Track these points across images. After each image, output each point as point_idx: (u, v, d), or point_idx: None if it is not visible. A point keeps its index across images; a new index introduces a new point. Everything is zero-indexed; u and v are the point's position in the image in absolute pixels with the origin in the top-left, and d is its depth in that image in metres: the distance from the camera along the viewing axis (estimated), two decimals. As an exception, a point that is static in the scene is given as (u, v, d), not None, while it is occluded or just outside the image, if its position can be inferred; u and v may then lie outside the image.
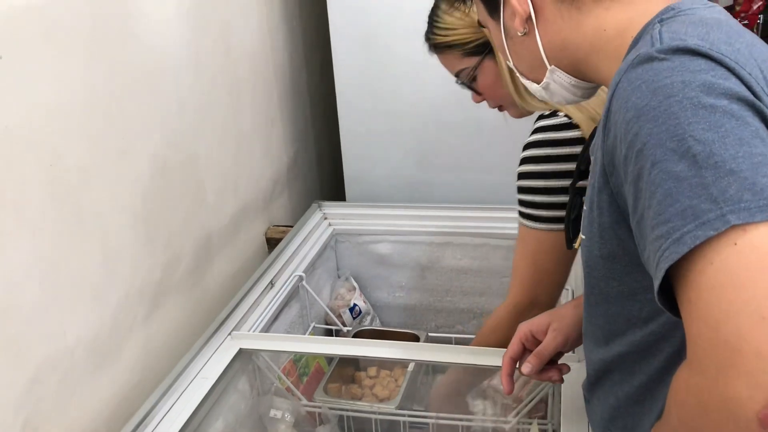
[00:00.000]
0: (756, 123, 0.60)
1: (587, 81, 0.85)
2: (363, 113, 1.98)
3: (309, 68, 2.22)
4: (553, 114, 1.22)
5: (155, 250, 1.40)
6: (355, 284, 1.91)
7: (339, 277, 1.94)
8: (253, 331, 1.44)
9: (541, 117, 1.25)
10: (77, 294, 1.18)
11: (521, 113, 1.31)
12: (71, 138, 1.15)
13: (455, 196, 1.96)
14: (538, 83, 0.88)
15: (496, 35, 0.89)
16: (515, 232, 1.77)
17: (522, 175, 1.24)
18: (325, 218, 1.92)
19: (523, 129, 1.88)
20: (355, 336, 1.71)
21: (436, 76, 1.89)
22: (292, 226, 1.88)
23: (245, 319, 1.47)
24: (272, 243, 1.87)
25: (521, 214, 1.25)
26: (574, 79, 0.85)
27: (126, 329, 1.31)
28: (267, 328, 1.50)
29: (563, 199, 1.19)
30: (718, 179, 0.57)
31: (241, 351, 1.36)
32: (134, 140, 1.32)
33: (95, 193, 1.21)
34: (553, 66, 0.85)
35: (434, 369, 1.66)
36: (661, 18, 0.73)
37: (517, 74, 0.91)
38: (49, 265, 1.11)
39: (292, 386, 1.49)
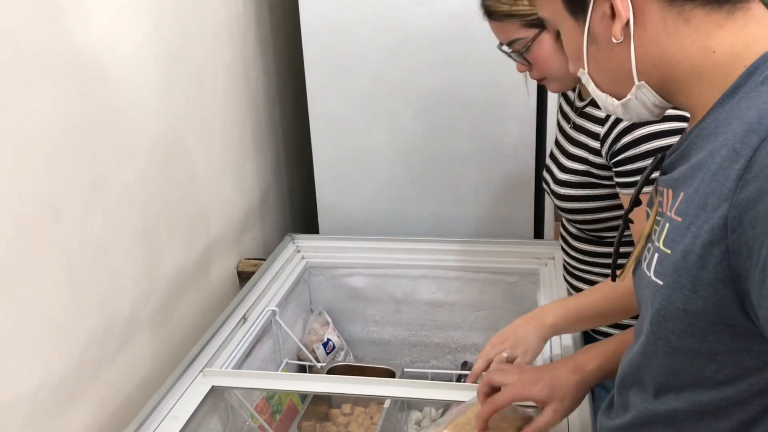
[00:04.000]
0: None
1: (672, 103, 0.76)
2: (337, 145, 1.97)
3: (282, 100, 2.21)
4: None
5: (124, 286, 1.36)
6: (329, 319, 1.88)
7: (312, 311, 1.91)
8: (226, 368, 1.41)
9: None
10: (42, 332, 1.14)
11: (563, 88, 1.30)
12: (39, 170, 1.12)
13: (429, 229, 1.95)
14: (619, 99, 0.77)
15: (572, 38, 0.78)
16: (490, 265, 1.79)
17: (647, 138, 1.15)
18: (298, 251, 1.90)
19: (497, 162, 1.89)
20: (329, 372, 1.68)
21: (410, 109, 1.90)
22: (264, 260, 1.85)
23: (217, 356, 1.43)
24: (244, 277, 1.84)
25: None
26: (660, 98, 0.75)
27: (93, 368, 1.27)
28: (239, 365, 1.46)
29: None
30: None
31: (213, 388, 1.33)
32: (104, 174, 1.29)
33: (63, 227, 1.18)
34: (642, 82, 0.74)
35: (410, 405, 1.63)
36: None
37: (590, 87, 0.80)
38: (13, 302, 1.07)
39: (265, 425, 1.45)
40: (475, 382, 1.21)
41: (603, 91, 0.78)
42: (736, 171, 0.62)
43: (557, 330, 1.24)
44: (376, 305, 1.89)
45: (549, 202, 1.90)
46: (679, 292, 0.68)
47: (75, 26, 1.20)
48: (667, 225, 0.71)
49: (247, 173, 1.95)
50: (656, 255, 0.73)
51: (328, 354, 1.80)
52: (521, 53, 1.24)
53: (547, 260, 1.74)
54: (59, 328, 1.18)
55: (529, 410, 1.07)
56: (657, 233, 0.74)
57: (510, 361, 1.18)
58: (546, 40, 1.21)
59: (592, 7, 0.73)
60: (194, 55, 1.63)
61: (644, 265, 0.76)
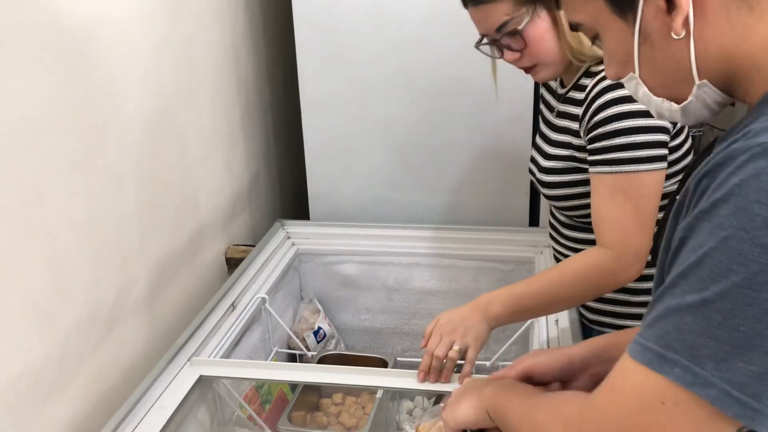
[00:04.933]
0: None
1: (734, 98, 0.70)
2: (329, 131, 1.93)
3: (273, 84, 2.16)
4: None
5: (109, 272, 1.32)
6: (320, 306, 1.85)
7: (302, 299, 1.87)
8: (214, 357, 1.37)
9: None
10: (24, 319, 1.10)
11: (553, 75, 1.25)
12: (21, 151, 1.08)
13: (423, 217, 1.92)
14: (678, 102, 0.70)
15: (620, 40, 0.70)
16: (485, 253, 1.76)
17: (620, 116, 1.14)
18: (289, 237, 1.86)
19: (492, 149, 1.86)
20: (320, 361, 1.65)
21: (404, 94, 1.86)
22: (253, 246, 1.81)
23: (205, 344, 1.39)
24: (233, 263, 1.80)
25: (617, 161, 1.15)
26: (722, 95, 0.69)
27: (77, 356, 1.23)
28: (228, 354, 1.43)
29: (662, 137, 1.14)
30: (730, 344, 0.56)
31: (201, 378, 1.29)
32: (89, 156, 1.25)
33: (46, 210, 1.14)
34: (704, 80, 0.67)
35: (402, 395, 1.60)
36: None
37: (641, 92, 0.72)
38: (-7, 288, 1.03)
39: (254, 415, 1.42)
40: (425, 379, 1.22)
41: (657, 95, 0.71)
42: (691, 205, 0.63)
43: (502, 321, 1.23)
44: (368, 293, 1.86)
45: (545, 190, 1.87)
46: None
47: (60, 1, 1.15)
48: None
49: (236, 158, 1.91)
50: None
51: (318, 343, 1.76)
52: (515, 35, 1.17)
53: (543, 248, 1.71)
54: (41, 315, 1.14)
55: None
56: None
57: (462, 351, 1.19)
58: (542, 16, 1.16)
59: (644, 2, 0.66)
60: (184, 36, 1.59)
61: None
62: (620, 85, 1.09)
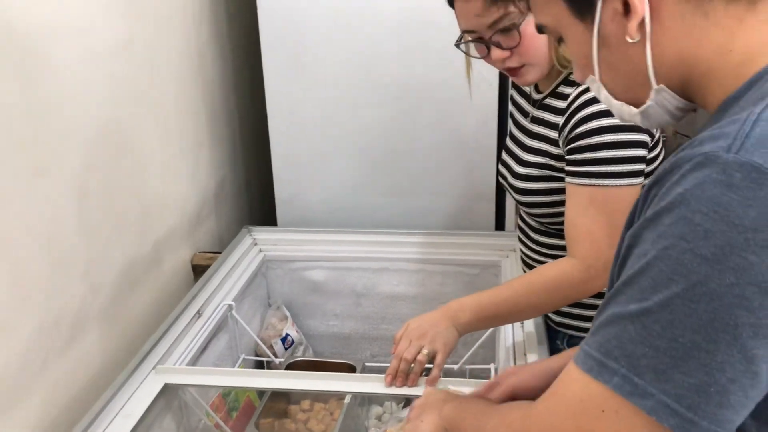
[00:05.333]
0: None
1: (695, 104, 0.69)
2: (295, 136, 1.92)
3: (239, 89, 2.15)
4: None
5: (72, 279, 1.30)
6: (287, 313, 1.84)
7: (270, 305, 1.86)
8: (179, 365, 1.35)
9: None
10: (-17, 328, 1.07)
11: (538, 76, 1.22)
12: (-22, 156, 1.05)
13: (391, 221, 1.92)
14: (637, 106, 0.70)
15: (580, 43, 0.70)
16: (451, 257, 1.77)
17: (602, 130, 1.14)
18: (255, 244, 1.85)
19: (459, 154, 1.87)
20: (288, 368, 1.63)
21: (371, 99, 1.86)
22: (220, 253, 1.79)
23: (170, 352, 1.37)
24: (198, 270, 1.78)
25: (596, 174, 1.15)
26: (683, 101, 0.68)
27: (38, 365, 1.20)
28: (194, 361, 1.41)
29: (640, 152, 1.15)
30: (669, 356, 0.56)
31: (166, 386, 1.27)
32: (50, 162, 1.23)
33: (4, 217, 1.11)
34: (661, 85, 0.67)
35: (371, 400, 1.60)
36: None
37: (602, 95, 0.73)
38: (-50, 297, 1.01)
39: (221, 423, 1.40)
40: (392, 383, 1.22)
41: (618, 99, 0.71)
42: (642, 211, 0.63)
43: (471, 328, 1.25)
44: (336, 299, 1.85)
45: (511, 194, 1.89)
46: None
47: (14, 5, 1.13)
48: None
49: (201, 163, 1.89)
50: None
51: (286, 349, 1.75)
52: (510, 31, 1.15)
53: (509, 252, 1.72)
54: (1, 324, 1.11)
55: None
56: None
57: (431, 355, 1.20)
58: None
59: (602, 6, 0.66)
60: (146, 41, 1.57)
61: None
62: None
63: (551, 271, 1.22)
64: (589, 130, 1.15)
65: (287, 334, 1.76)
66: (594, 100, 1.16)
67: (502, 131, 1.84)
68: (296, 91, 1.88)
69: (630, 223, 0.67)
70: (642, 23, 0.64)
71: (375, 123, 1.88)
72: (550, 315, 1.41)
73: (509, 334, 1.39)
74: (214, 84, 1.97)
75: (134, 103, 1.52)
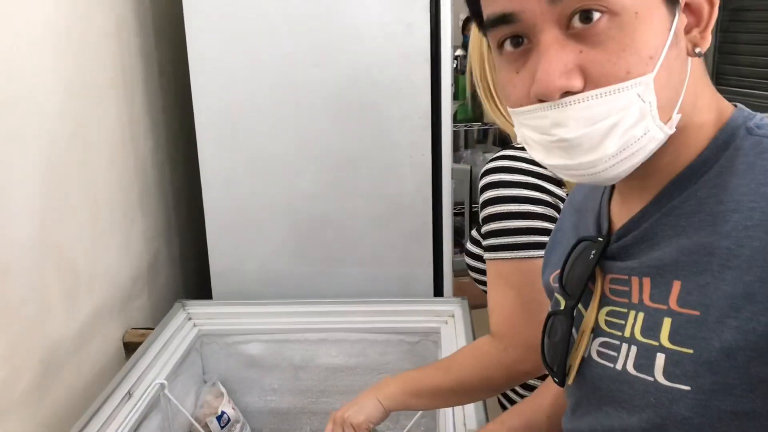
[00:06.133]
0: None
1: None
2: (230, 206, 1.90)
3: (173, 161, 2.13)
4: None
5: (-9, 364, 1.23)
6: (223, 390, 1.78)
7: (205, 382, 1.80)
8: (108, 451, 1.29)
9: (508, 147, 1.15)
10: None
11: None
12: None
13: (329, 291, 1.90)
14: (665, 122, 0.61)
15: (657, 31, 0.58)
16: (391, 325, 1.75)
17: (492, 201, 1.11)
18: (190, 318, 1.80)
19: (395, 220, 1.88)
20: (224, 447, 1.57)
21: (306, 168, 1.87)
22: (152, 329, 1.73)
23: (98, 437, 1.30)
24: (130, 348, 1.72)
25: (493, 247, 1.11)
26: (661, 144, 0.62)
27: (-49, 459, 1.13)
28: (124, 446, 1.34)
29: (539, 224, 1.08)
30: None
31: (92, 475, 1.20)
32: (-31, 239, 1.18)
33: None
34: (679, 116, 0.61)
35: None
36: (757, 124, 0.63)
37: (646, 98, 0.58)
38: None
39: None
40: None
41: (659, 107, 0.60)
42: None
43: (398, 402, 1.17)
44: (274, 373, 1.80)
45: (448, 259, 1.90)
46: (724, 394, 0.57)
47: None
48: (668, 320, 0.61)
49: (134, 236, 1.85)
50: (659, 355, 0.61)
51: (223, 428, 1.69)
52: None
53: (447, 318, 1.72)
54: None
55: None
56: (636, 328, 0.64)
57: (355, 426, 1.17)
58: None
59: (681, 6, 0.60)
60: (78, 112, 1.54)
61: (624, 365, 0.64)
62: (500, 169, 1.10)
63: (470, 348, 1.18)
64: (485, 201, 1.12)
65: (223, 412, 1.70)
66: (492, 170, 1.12)
67: (437, 197, 1.86)
68: (231, 162, 1.87)
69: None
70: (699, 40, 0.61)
71: (311, 192, 1.88)
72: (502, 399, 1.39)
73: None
74: (147, 157, 1.94)
75: (63, 176, 1.48)
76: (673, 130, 0.61)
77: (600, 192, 0.76)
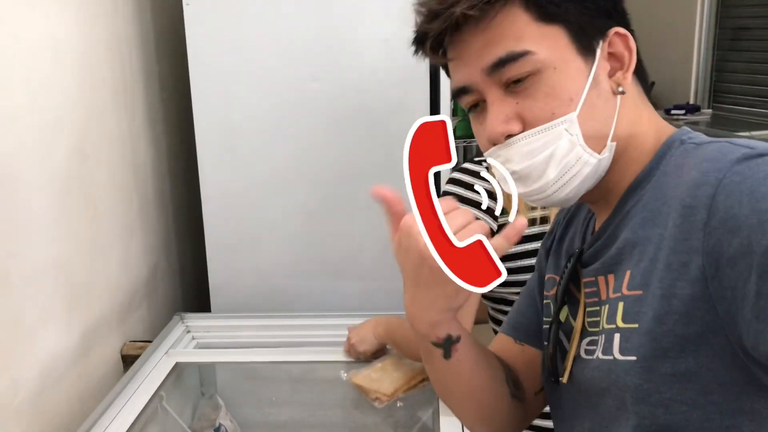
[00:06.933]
0: None
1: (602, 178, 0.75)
2: (230, 220, 1.91)
3: (173, 175, 2.14)
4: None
5: (-11, 374, 1.23)
6: (221, 402, 1.77)
7: (203, 395, 1.80)
8: (105, 462, 1.28)
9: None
10: None
11: None
12: None
13: (329, 304, 1.91)
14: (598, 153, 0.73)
15: (573, 77, 0.72)
16: (389, 339, 1.75)
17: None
18: (188, 331, 1.80)
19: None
20: (222, 460, 1.57)
21: (306, 182, 1.88)
22: (151, 341, 1.74)
23: (95, 449, 1.30)
24: (129, 360, 1.72)
25: None
26: (605, 169, 0.75)
27: (-52, 469, 1.12)
28: (121, 458, 1.34)
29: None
30: None
31: (89, 487, 1.20)
32: (-31, 249, 1.18)
33: None
34: (614, 143, 0.74)
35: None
36: (690, 137, 0.73)
37: (572, 134, 0.71)
38: None
39: None
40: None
41: (586, 142, 0.72)
42: (699, 222, 0.63)
43: (385, 334, 1.55)
44: (272, 386, 1.80)
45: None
46: (662, 358, 0.66)
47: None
48: (621, 304, 0.70)
49: (133, 250, 1.85)
50: (616, 335, 0.70)
51: (220, 441, 1.68)
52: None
53: (446, 332, 1.72)
54: None
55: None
56: (604, 319, 0.73)
57: (354, 346, 1.61)
58: None
59: (600, 50, 0.73)
60: (77, 125, 1.56)
61: (597, 353, 0.73)
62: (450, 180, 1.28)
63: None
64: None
65: (221, 425, 1.70)
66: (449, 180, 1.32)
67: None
68: (231, 175, 1.88)
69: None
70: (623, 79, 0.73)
71: (311, 206, 1.89)
72: None
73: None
74: (148, 170, 1.96)
75: (63, 189, 1.49)
76: (606, 155, 0.73)
77: (584, 211, 0.88)
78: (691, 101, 3.86)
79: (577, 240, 0.86)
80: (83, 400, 1.54)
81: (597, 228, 0.80)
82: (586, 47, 0.72)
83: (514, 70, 0.71)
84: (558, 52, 0.71)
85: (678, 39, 3.93)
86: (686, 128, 0.76)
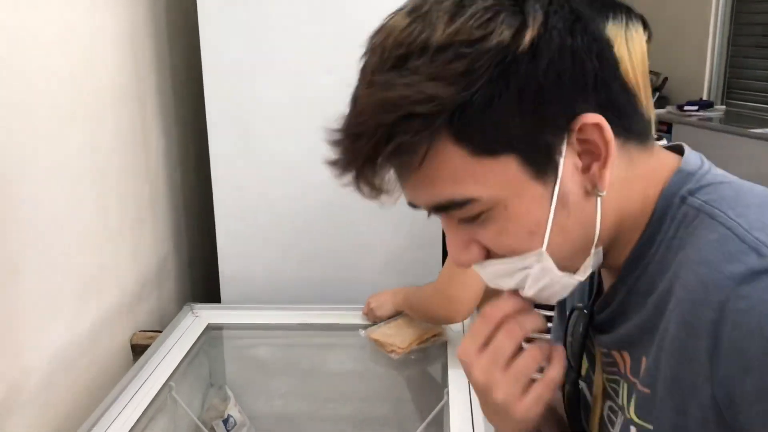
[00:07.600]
0: None
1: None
2: (241, 211, 1.91)
3: (184, 165, 2.14)
4: None
5: (0, 364, 1.23)
6: (230, 393, 1.78)
7: (212, 385, 1.80)
8: (115, 451, 1.29)
9: None
10: None
11: None
12: None
13: (340, 296, 1.90)
14: (573, 272, 0.64)
15: (532, 208, 0.60)
16: (399, 332, 1.74)
17: None
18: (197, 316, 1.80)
19: (406, 224, 1.88)
20: (231, 451, 1.57)
21: (319, 174, 1.87)
22: (161, 331, 1.74)
23: (105, 438, 1.31)
24: (138, 350, 1.72)
25: None
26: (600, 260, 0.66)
27: (-41, 456, 1.13)
28: (130, 447, 1.34)
29: None
30: None
31: (99, 475, 1.20)
32: (-18, 237, 1.19)
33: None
34: (600, 248, 0.64)
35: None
36: (691, 189, 0.62)
37: (544, 267, 0.62)
38: None
39: None
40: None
41: (559, 267, 0.63)
42: (702, 350, 0.56)
43: (403, 301, 1.65)
44: (282, 378, 1.81)
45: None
46: None
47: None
48: (635, 395, 0.65)
49: (143, 240, 1.86)
50: (632, 428, 0.66)
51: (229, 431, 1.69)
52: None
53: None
54: None
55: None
56: (624, 395, 0.68)
57: (373, 311, 1.70)
58: None
59: (564, 162, 0.59)
60: (88, 117, 1.55)
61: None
62: None
63: None
64: None
65: (230, 416, 1.70)
66: None
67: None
68: (242, 167, 1.88)
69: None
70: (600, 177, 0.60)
71: (322, 198, 1.88)
72: None
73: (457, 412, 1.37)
74: (159, 161, 1.95)
75: (75, 180, 1.49)
76: (590, 270, 0.64)
77: None
78: (705, 97, 3.83)
79: (579, 291, 0.78)
80: (93, 389, 1.55)
81: (605, 287, 0.72)
82: (544, 166, 0.59)
83: (459, 215, 0.62)
84: (507, 187, 0.59)
85: (692, 35, 3.90)
86: (684, 167, 0.64)
